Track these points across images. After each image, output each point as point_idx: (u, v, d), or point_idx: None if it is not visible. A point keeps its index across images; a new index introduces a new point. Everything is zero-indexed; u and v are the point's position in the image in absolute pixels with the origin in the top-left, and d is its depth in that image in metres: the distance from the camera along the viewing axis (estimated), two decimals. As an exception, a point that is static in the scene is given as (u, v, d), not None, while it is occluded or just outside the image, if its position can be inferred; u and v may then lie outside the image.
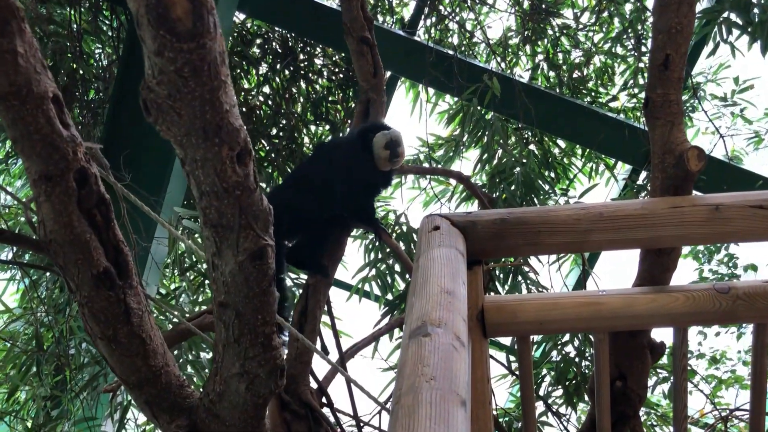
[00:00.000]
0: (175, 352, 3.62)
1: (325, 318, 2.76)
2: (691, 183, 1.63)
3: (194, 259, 4.50)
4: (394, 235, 4.17)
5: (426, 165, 4.56)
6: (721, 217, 1.53)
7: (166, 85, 0.81)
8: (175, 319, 3.41)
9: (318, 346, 2.28)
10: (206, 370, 4.25)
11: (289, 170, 4.78)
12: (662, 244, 1.66)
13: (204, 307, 4.26)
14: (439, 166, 4.57)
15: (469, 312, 1.48)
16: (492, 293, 3.92)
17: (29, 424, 3.74)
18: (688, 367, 4.32)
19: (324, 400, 2.27)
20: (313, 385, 2.25)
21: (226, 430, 1.11)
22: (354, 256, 4.83)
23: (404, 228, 4.13)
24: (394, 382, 1.07)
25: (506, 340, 4.27)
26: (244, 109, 4.72)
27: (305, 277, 4.69)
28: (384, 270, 4.10)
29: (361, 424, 2.42)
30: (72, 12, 3.89)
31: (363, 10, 2.32)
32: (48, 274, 3.83)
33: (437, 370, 1.02)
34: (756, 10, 3.62)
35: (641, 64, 4.47)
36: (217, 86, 0.83)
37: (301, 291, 4.04)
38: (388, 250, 3.94)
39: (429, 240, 1.51)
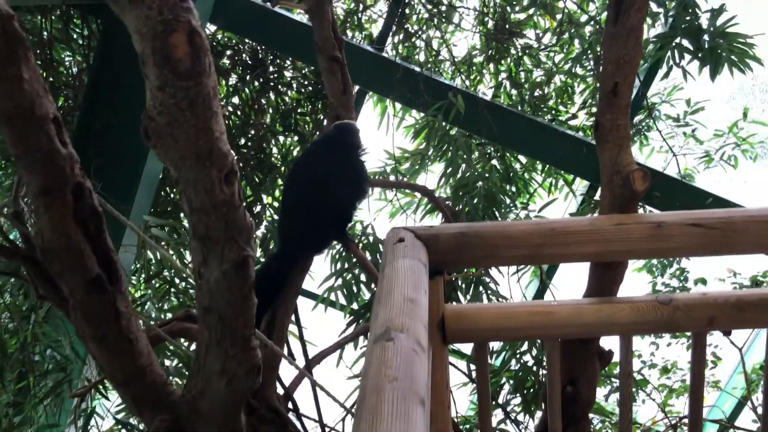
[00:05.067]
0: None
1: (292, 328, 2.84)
2: (636, 202, 1.77)
3: (160, 267, 4.53)
4: (361, 245, 4.27)
5: (392, 178, 4.68)
6: (663, 233, 1.66)
7: (165, 115, 0.92)
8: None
9: (285, 353, 2.35)
10: (170, 378, 4.27)
11: (257, 180, 4.86)
12: (609, 258, 1.79)
13: (170, 315, 4.30)
14: (405, 179, 4.70)
15: (430, 319, 1.58)
16: (454, 303, 4.04)
17: (-12, 433, 3.72)
18: (641, 377, 4.49)
19: (290, 405, 2.34)
20: (280, 391, 2.33)
21: (206, 424, 1.22)
22: (320, 266, 4.91)
23: (371, 239, 4.23)
24: (360, 383, 1.16)
25: (467, 350, 4.39)
26: (213, 119, 4.78)
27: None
28: (350, 280, 4.19)
29: (326, 429, 2.50)
30: (42, 20, 3.91)
31: (334, 30, 2.42)
32: (12, 280, 3.83)
33: (399, 371, 1.11)
34: (706, 37, 3.82)
35: (599, 85, 4.65)
36: (210, 116, 0.95)
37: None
38: (354, 260, 4.03)
39: (394, 251, 1.61)
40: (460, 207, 4.45)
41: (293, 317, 2.46)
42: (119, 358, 1.18)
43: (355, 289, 4.22)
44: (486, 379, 1.84)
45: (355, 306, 4.25)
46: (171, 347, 3.65)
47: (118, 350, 1.17)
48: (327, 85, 2.48)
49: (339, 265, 4.12)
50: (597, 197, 4.68)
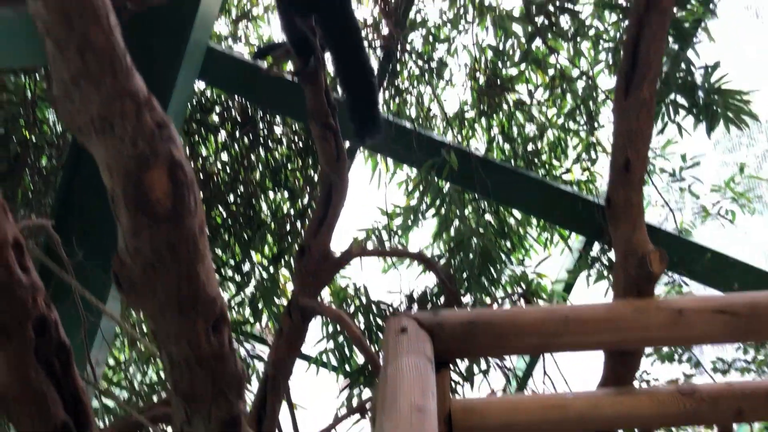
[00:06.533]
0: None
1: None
2: (653, 284, 1.66)
3: (145, 330, 4.36)
4: (352, 306, 4.14)
5: (384, 234, 4.58)
6: (685, 321, 1.55)
7: (140, 261, 0.78)
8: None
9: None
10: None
11: (246, 237, 4.74)
12: (627, 347, 1.68)
13: (158, 394, 4.11)
14: (398, 235, 4.60)
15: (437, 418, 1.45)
16: (450, 365, 3.90)
17: None
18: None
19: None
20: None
21: None
22: (312, 329, 4.76)
23: (363, 299, 4.11)
24: None
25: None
26: (201, 176, 4.69)
27: (263, 349, 4.62)
28: (342, 343, 4.06)
29: None
30: (27, 79, 3.83)
31: (327, 97, 2.33)
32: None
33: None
34: (700, 93, 3.78)
35: (593, 139, 4.61)
36: (195, 259, 0.80)
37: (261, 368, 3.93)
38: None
39: (396, 345, 1.49)
40: (455, 262, 4.35)
41: (285, 402, 2.31)
42: None
43: (347, 352, 4.09)
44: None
45: (347, 368, 4.12)
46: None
47: None
48: (320, 151, 2.39)
49: (331, 329, 3.99)
50: (593, 253, 4.59)
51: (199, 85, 4.51)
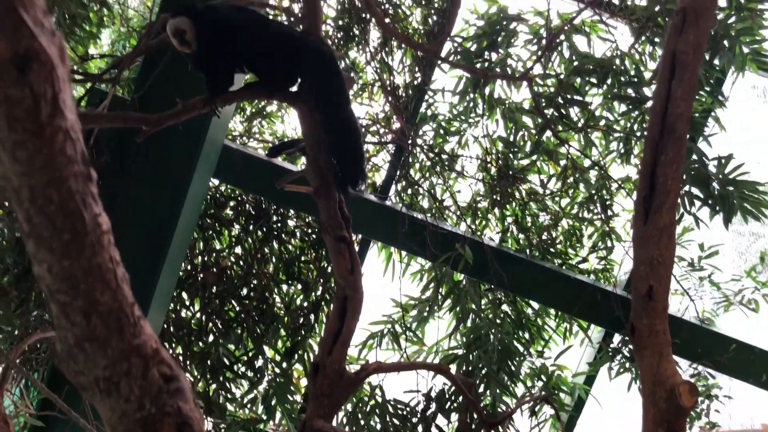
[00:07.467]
0: None
1: None
2: (685, 417, 1.58)
3: None
4: (368, 406, 4.03)
5: (398, 328, 4.51)
6: (720, 461, 1.47)
7: None
8: None
9: None
10: None
11: (258, 331, 4.68)
12: (661, 488, 1.59)
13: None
14: (413, 326, 4.54)
15: None
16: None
17: None
18: None
19: None
20: None
21: None
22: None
23: (378, 399, 3.99)
24: None
25: None
26: (214, 270, 4.68)
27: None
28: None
29: None
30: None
31: (341, 208, 2.33)
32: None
33: None
34: (715, 185, 3.76)
35: (607, 228, 4.58)
36: None
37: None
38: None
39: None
40: (472, 357, 4.25)
41: None
42: None
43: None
44: None
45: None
46: None
47: None
48: (334, 264, 2.36)
49: None
50: (614, 345, 4.49)
51: (214, 181, 4.56)
